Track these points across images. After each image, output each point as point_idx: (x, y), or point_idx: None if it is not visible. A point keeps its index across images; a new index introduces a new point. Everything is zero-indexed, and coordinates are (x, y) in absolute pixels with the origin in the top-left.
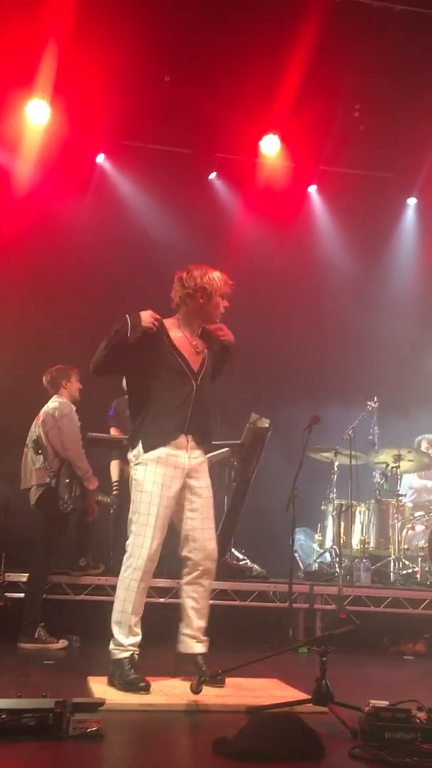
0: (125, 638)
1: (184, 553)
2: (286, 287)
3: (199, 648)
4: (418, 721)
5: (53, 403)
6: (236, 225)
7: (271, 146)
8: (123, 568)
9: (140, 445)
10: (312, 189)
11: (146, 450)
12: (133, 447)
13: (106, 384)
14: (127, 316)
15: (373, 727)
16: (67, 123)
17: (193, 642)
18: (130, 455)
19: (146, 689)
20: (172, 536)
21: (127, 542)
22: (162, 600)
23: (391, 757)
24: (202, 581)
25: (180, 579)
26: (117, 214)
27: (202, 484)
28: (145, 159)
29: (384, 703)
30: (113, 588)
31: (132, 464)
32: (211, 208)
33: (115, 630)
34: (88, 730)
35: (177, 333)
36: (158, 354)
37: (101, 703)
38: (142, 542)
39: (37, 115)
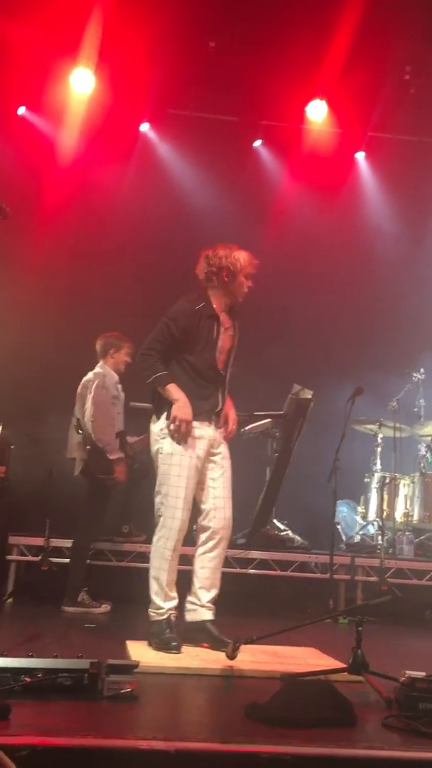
0: (162, 602)
1: (204, 522)
2: (331, 256)
3: (208, 615)
4: None
5: (92, 373)
6: (281, 193)
7: (317, 112)
8: (155, 538)
9: (164, 417)
10: (360, 155)
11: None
12: (159, 418)
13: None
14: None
15: (407, 698)
16: (111, 91)
17: (203, 610)
18: (155, 427)
19: (177, 648)
20: None
21: (157, 512)
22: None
23: (424, 727)
24: (219, 550)
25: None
26: (160, 183)
27: (224, 454)
28: (189, 127)
29: (420, 674)
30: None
31: (158, 437)
32: (256, 176)
33: (153, 595)
34: (122, 691)
35: (210, 311)
36: (195, 332)
37: (136, 665)
38: (173, 513)
39: (81, 84)
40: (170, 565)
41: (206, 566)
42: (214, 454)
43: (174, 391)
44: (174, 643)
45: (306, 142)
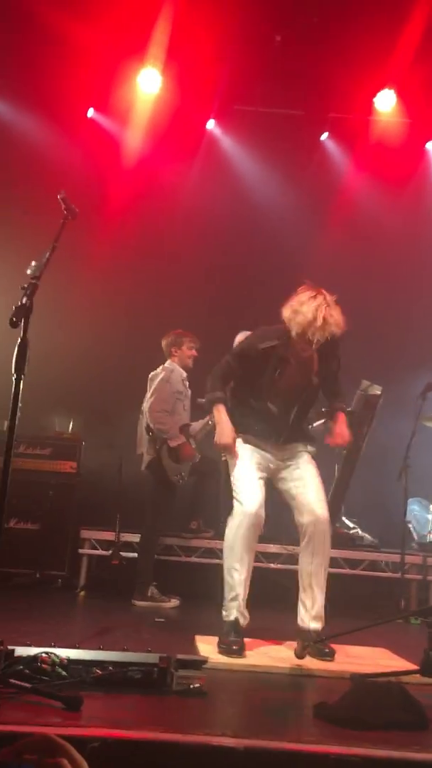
0: (229, 599)
1: (297, 519)
2: (399, 249)
3: (312, 624)
4: None
5: (160, 367)
6: (348, 186)
7: (386, 102)
8: (227, 530)
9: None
10: (430, 145)
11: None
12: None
13: (214, 352)
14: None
15: None
16: (178, 90)
17: (306, 617)
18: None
19: (239, 653)
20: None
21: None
22: (272, 565)
23: None
24: (315, 546)
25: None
26: (226, 180)
27: (298, 459)
28: (256, 123)
29: None
30: (223, 552)
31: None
32: (323, 170)
33: (225, 590)
34: (192, 686)
35: (280, 352)
36: (255, 371)
37: (205, 660)
38: (236, 507)
39: (148, 83)
40: (240, 558)
41: (304, 561)
42: (288, 461)
43: (218, 414)
44: (235, 648)
45: (374, 133)
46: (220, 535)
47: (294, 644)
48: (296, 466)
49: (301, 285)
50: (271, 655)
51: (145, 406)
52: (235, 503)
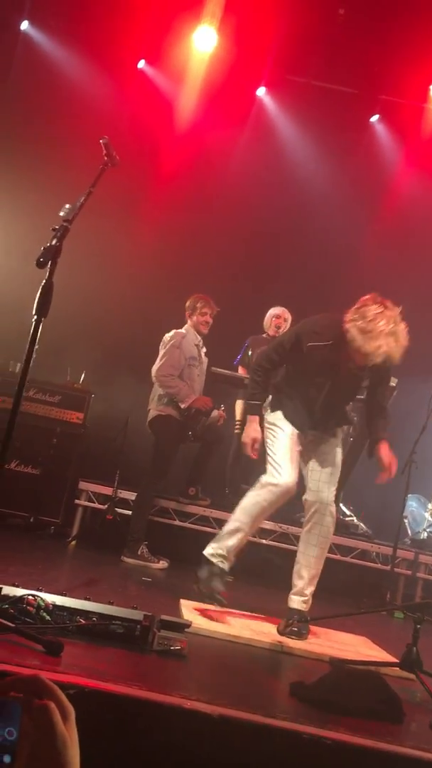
0: (221, 544)
1: (304, 496)
2: None
3: (295, 603)
4: None
5: (173, 331)
6: (395, 172)
7: None
8: (251, 492)
9: (270, 405)
10: None
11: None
12: (272, 411)
13: (241, 323)
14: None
15: None
16: (232, 52)
17: (293, 597)
18: (268, 416)
19: (221, 603)
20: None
21: None
22: (264, 541)
23: None
24: (315, 527)
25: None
26: (272, 151)
27: (330, 440)
28: (307, 95)
29: None
30: (218, 521)
31: (267, 407)
32: (369, 151)
33: (223, 533)
34: (172, 647)
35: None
36: (312, 363)
37: (188, 624)
38: (275, 476)
39: (204, 42)
40: (255, 517)
41: (303, 541)
42: (319, 439)
43: (250, 424)
44: (218, 596)
45: (427, 121)
46: (216, 505)
47: (278, 621)
48: (323, 440)
49: (367, 294)
50: (254, 629)
51: (154, 368)
52: (272, 470)
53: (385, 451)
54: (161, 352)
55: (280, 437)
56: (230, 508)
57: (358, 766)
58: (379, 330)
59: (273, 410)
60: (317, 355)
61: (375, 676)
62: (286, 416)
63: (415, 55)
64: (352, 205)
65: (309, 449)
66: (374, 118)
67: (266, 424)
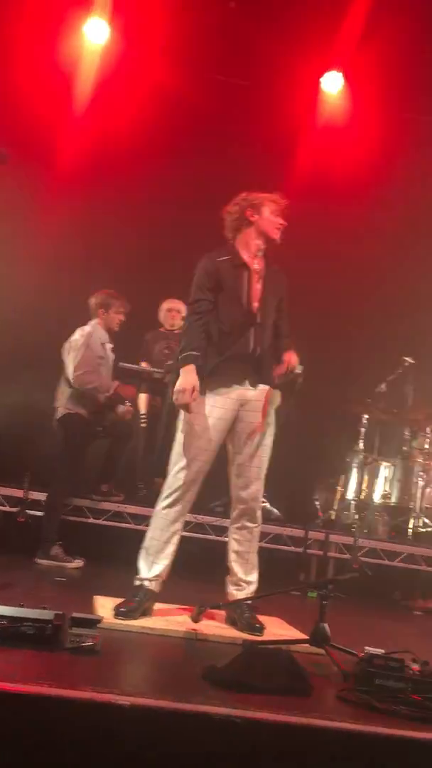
0: (146, 568)
1: (231, 490)
2: (337, 231)
3: (239, 594)
4: (411, 671)
5: (78, 332)
6: (293, 164)
7: (333, 84)
8: (159, 498)
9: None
10: (374, 131)
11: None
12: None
13: (141, 317)
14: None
15: (364, 673)
16: (126, 44)
17: (233, 589)
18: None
19: (126, 617)
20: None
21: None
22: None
23: (377, 702)
24: (244, 522)
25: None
26: (172, 141)
27: (256, 420)
28: (203, 88)
29: (379, 651)
30: (132, 516)
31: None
32: (270, 143)
33: (141, 556)
34: (84, 644)
35: (237, 260)
36: (220, 288)
37: (99, 620)
38: (178, 473)
39: (95, 33)
40: (165, 527)
41: (234, 537)
42: (247, 420)
43: (185, 373)
44: (132, 614)
45: (320, 113)
46: (131, 500)
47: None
48: (252, 423)
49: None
50: (167, 619)
51: (69, 372)
52: (172, 475)
53: (289, 354)
54: (72, 354)
55: (188, 430)
56: (145, 502)
57: (269, 740)
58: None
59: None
60: (229, 272)
61: (283, 654)
62: (216, 381)
63: (306, 47)
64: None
65: (238, 432)
66: (269, 110)
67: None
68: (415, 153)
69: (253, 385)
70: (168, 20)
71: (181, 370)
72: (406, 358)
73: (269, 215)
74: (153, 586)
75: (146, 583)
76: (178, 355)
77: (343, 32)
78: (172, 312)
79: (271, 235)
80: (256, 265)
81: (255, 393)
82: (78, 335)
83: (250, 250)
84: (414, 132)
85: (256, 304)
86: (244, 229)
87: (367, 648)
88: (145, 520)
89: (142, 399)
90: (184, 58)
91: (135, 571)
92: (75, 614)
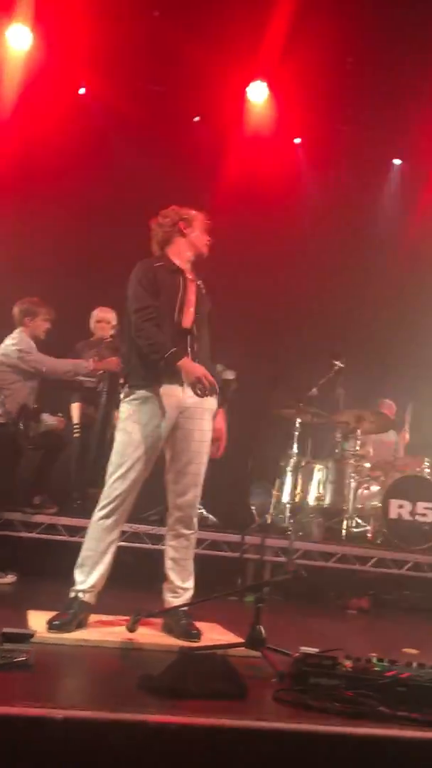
0: (81, 579)
1: (168, 497)
2: (265, 240)
3: (176, 601)
4: (344, 669)
5: (10, 340)
6: (220, 172)
7: (259, 93)
8: (96, 508)
9: (129, 383)
10: (298, 141)
11: (133, 388)
12: (123, 385)
13: (69, 325)
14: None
15: (299, 672)
16: (49, 51)
17: (169, 596)
18: (122, 395)
19: (60, 630)
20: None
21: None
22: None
23: (312, 701)
24: (181, 529)
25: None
26: (99, 149)
27: (196, 427)
28: (129, 96)
29: (313, 650)
30: (67, 528)
31: (120, 403)
32: (196, 152)
33: (77, 567)
34: (16, 659)
35: (172, 266)
36: (158, 290)
37: (32, 634)
38: (114, 482)
39: (18, 40)
40: (101, 538)
41: (170, 544)
42: (185, 427)
43: (187, 363)
44: (66, 627)
45: (246, 123)
46: (64, 511)
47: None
48: (189, 438)
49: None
50: (103, 630)
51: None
52: (109, 484)
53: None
54: (12, 364)
55: (125, 439)
56: (79, 513)
57: (205, 744)
58: (182, 207)
59: (132, 389)
60: (163, 278)
61: (219, 659)
62: (153, 388)
63: (232, 57)
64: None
65: (176, 438)
66: (196, 119)
67: (119, 421)
68: (338, 162)
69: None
70: (92, 28)
71: (181, 365)
72: (336, 362)
73: (199, 231)
74: (88, 597)
75: (81, 594)
76: (155, 357)
77: (267, 42)
78: (102, 323)
79: (202, 249)
80: (189, 274)
81: (193, 400)
82: (12, 344)
83: (182, 261)
84: (335, 141)
85: (191, 310)
86: (175, 240)
87: (302, 648)
88: (80, 531)
89: (75, 408)
90: (108, 66)
91: (70, 583)
92: (6, 630)
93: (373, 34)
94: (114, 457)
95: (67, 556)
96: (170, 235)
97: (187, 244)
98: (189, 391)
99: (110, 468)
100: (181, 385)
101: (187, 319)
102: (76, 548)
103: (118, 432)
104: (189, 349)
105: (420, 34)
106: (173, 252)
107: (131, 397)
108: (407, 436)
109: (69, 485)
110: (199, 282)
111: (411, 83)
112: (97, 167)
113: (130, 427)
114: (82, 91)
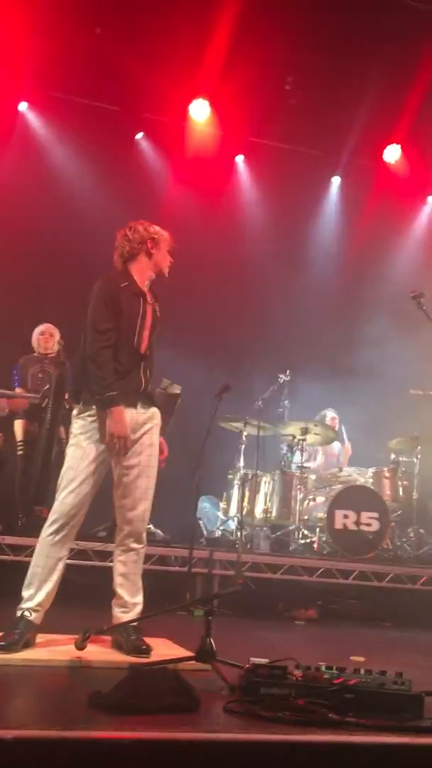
0: (28, 598)
1: (117, 512)
2: (208, 256)
3: (125, 616)
4: (293, 678)
5: None
6: (163, 188)
7: (200, 111)
8: (45, 524)
9: (82, 399)
10: (239, 159)
11: (86, 404)
12: (77, 401)
13: (12, 341)
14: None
15: (249, 683)
16: None
17: (118, 611)
18: (75, 410)
19: (6, 650)
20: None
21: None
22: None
23: (263, 711)
24: (130, 544)
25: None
26: (41, 167)
27: (145, 441)
28: (72, 112)
29: (263, 661)
30: (11, 547)
31: (73, 418)
32: (139, 168)
33: (24, 585)
34: None
35: (136, 288)
36: (121, 312)
37: None
38: (66, 497)
39: None
40: (50, 555)
41: (119, 559)
42: (134, 441)
43: (116, 415)
44: (10, 647)
45: (188, 140)
46: (8, 530)
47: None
48: (137, 452)
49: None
50: (51, 649)
51: None
52: (57, 500)
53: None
54: None
55: (78, 455)
56: (25, 531)
57: (157, 759)
58: (150, 224)
59: (85, 405)
60: (126, 300)
61: (169, 673)
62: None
63: (173, 75)
64: (128, 218)
65: (126, 455)
66: (139, 135)
67: (71, 436)
68: (279, 179)
69: (144, 408)
70: (34, 44)
71: (110, 412)
72: (281, 375)
73: (164, 252)
74: (35, 617)
75: (27, 613)
76: (96, 389)
77: (208, 60)
78: (45, 335)
79: (164, 270)
80: (149, 297)
81: (144, 416)
82: None
83: (143, 279)
84: (276, 158)
85: (146, 333)
86: (140, 258)
87: (252, 659)
88: (25, 550)
89: (18, 425)
90: (49, 82)
91: (15, 603)
92: None
93: (312, 53)
94: (66, 472)
95: (12, 575)
96: (136, 252)
97: (151, 263)
98: (141, 408)
99: (62, 482)
100: (135, 407)
101: (144, 344)
102: (22, 568)
103: (70, 447)
104: (142, 375)
105: (357, 54)
106: (136, 269)
107: (85, 413)
108: (349, 447)
109: (13, 503)
110: (156, 305)
111: (349, 102)
112: (41, 186)
113: (83, 441)
114: (22, 106)
